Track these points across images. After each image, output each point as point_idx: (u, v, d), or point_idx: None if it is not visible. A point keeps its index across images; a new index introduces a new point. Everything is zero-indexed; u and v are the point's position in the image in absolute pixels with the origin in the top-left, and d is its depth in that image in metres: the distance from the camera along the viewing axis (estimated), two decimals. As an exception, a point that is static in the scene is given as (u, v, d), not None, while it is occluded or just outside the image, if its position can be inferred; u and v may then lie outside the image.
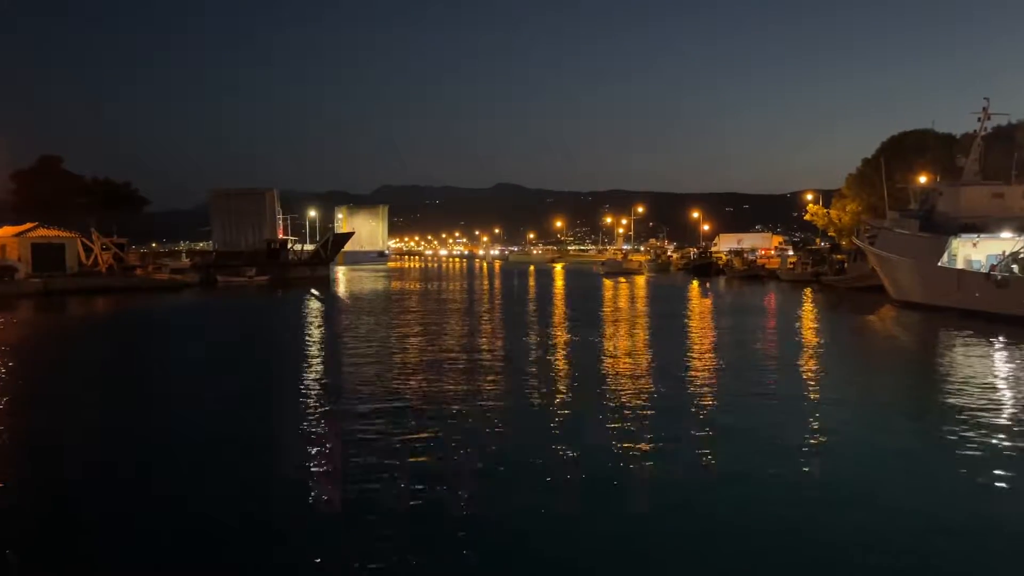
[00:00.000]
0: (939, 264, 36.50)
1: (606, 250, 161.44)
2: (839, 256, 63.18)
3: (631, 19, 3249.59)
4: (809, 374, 20.20)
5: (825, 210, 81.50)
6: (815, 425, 14.30)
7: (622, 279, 78.13)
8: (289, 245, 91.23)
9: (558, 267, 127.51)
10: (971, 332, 27.90)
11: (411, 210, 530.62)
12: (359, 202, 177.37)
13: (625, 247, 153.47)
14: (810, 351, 24.81)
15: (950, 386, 17.95)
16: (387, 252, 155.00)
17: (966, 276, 34.89)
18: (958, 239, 36.74)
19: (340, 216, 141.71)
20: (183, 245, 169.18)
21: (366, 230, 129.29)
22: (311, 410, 16.05)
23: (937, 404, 16.22)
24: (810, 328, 32.30)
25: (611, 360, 22.49)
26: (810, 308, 42.16)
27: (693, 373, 19.99)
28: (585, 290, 60.33)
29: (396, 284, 71.70)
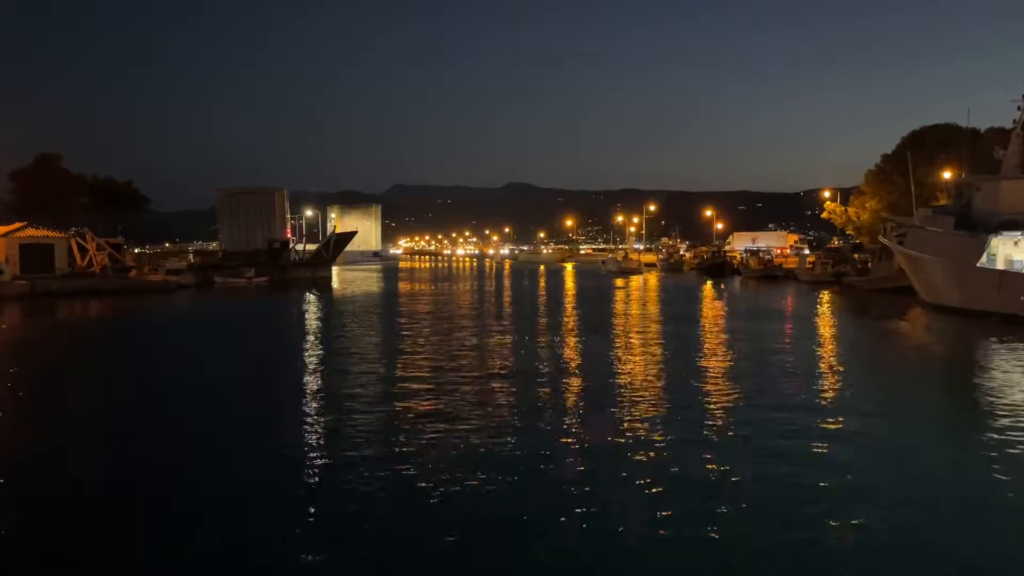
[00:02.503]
0: (978, 265, 33.60)
1: (609, 249, 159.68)
2: (861, 256, 60.28)
3: (641, 18, 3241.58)
4: (847, 396, 17.40)
5: (843, 208, 78.63)
6: (868, 470, 11.65)
7: (633, 278, 78.46)
8: (291, 245, 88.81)
9: (568, 267, 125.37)
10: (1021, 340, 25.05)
11: (423, 210, 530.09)
12: (372, 202, 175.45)
13: (637, 246, 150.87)
14: (843, 367, 21.89)
15: (1011, 408, 15.21)
16: (381, 252, 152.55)
17: (1009, 277, 31.99)
18: (998, 237, 33.86)
19: (333, 216, 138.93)
20: (195, 245, 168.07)
21: (359, 230, 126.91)
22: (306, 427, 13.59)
23: (1001, 434, 13.47)
24: (839, 337, 29.42)
25: (625, 379, 19.84)
26: (836, 312, 39.23)
27: (715, 397, 17.32)
28: (592, 292, 57.64)
29: (404, 286, 69.31)
